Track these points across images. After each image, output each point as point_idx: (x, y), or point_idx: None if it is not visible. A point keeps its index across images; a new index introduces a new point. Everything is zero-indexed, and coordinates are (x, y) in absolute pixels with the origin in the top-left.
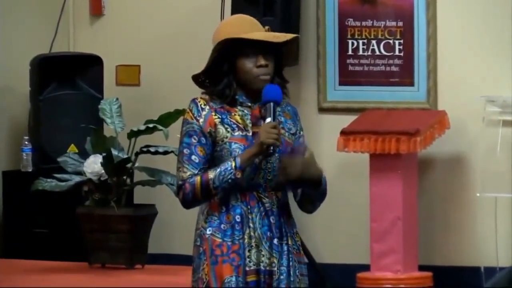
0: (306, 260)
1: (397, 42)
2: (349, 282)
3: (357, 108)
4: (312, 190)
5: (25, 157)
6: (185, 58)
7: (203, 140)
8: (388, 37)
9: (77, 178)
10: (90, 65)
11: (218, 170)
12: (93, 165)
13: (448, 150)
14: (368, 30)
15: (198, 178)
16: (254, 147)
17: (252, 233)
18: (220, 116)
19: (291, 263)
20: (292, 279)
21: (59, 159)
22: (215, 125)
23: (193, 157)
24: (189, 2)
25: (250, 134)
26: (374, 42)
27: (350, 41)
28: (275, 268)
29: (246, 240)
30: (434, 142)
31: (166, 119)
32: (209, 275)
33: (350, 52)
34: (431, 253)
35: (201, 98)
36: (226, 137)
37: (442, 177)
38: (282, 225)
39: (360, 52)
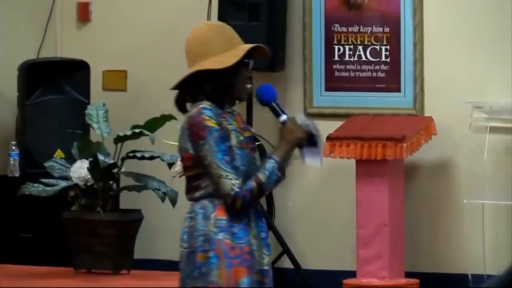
0: None
1: (383, 48)
2: None
3: (343, 113)
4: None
5: (12, 162)
6: (171, 63)
7: (230, 144)
8: (374, 42)
9: (63, 183)
10: (77, 70)
11: (267, 173)
12: (80, 170)
13: (435, 156)
14: (355, 35)
15: (253, 184)
16: (287, 145)
17: (254, 234)
18: (229, 123)
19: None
20: None
21: (45, 164)
22: (228, 130)
23: (234, 163)
24: (175, 7)
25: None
26: (360, 47)
27: (336, 47)
28: (267, 268)
29: (252, 241)
30: (421, 148)
31: (153, 125)
32: (224, 278)
33: (336, 58)
34: (418, 259)
35: (207, 104)
36: (236, 143)
37: (429, 183)
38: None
39: (347, 58)
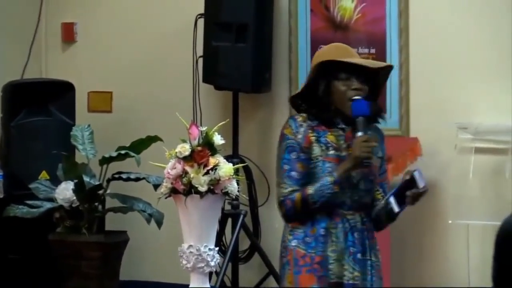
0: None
1: None
2: None
3: None
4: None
5: None
6: (157, 84)
7: (302, 156)
8: None
9: (48, 205)
10: (62, 91)
11: (317, 185)
12: (65, 191)
13: None
14: None
15: (298, 194)
16: (349, 162)
17: (334, 247)
18: (316, 135)
19: (374, 278)
20: None
21: (30, 186)
22: (311, 142)
23: (292, 173)
24: (161, 28)
25: (344, 155)
26: None
27: None
28: (358, 282)
29: (329, 253)
30: (406, 169)
31: (138, 146)
32: (292, 284)
33: None
34: (403, 279)
35: (300, 115)
36: (321, 156)
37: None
38: (366, 241)
39: None
